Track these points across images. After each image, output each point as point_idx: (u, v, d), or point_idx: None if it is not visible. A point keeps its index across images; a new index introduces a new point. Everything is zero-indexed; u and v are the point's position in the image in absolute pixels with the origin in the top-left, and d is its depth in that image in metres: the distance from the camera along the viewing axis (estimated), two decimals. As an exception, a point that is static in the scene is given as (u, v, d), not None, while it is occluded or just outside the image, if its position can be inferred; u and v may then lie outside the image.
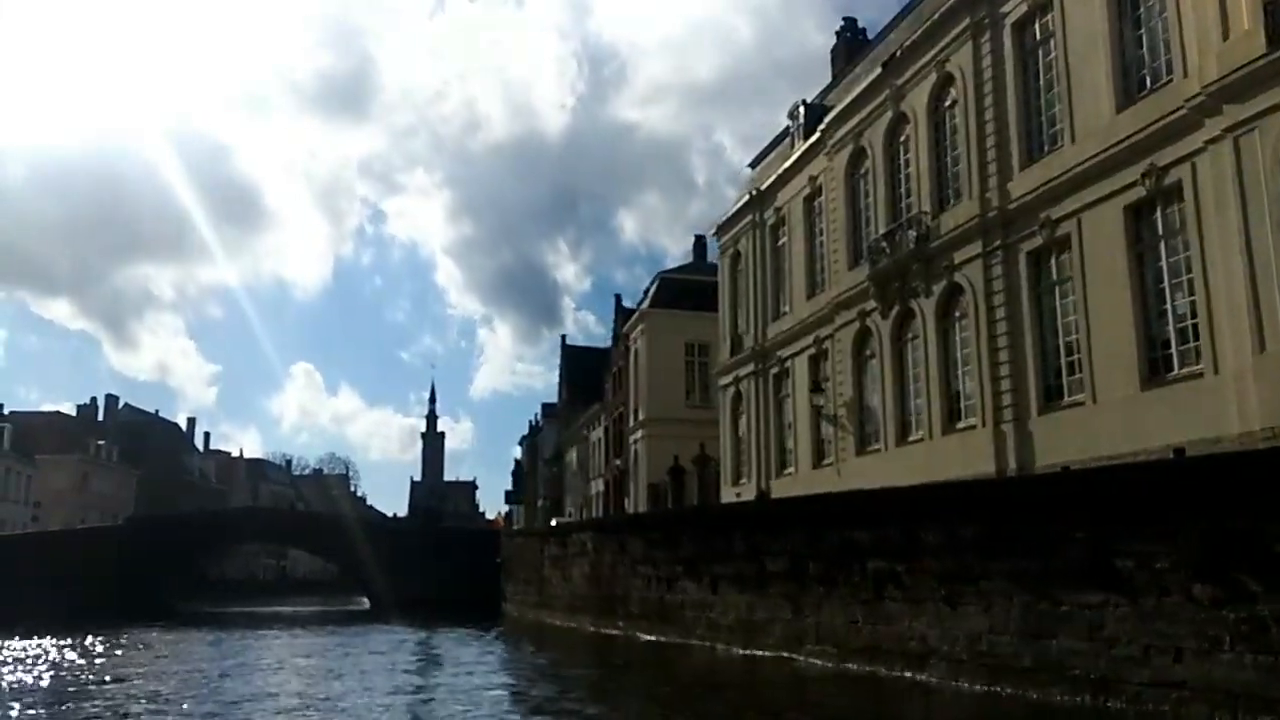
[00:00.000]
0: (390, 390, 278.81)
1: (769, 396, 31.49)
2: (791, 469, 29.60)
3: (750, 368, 32.56)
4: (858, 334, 25.81)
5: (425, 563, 40.05)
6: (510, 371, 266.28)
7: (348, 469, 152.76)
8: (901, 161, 24.74)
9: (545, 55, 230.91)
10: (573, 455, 63.36)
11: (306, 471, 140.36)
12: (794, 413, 29.72)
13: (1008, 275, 20.26)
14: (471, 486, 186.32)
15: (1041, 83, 20.15)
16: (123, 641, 27.37)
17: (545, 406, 79.69)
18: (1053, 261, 19.43)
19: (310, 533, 44.05)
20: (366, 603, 51.58)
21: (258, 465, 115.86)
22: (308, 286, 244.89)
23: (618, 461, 49.36)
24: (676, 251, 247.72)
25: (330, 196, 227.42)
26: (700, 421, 44.12)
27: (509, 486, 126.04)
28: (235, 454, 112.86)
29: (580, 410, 65.87)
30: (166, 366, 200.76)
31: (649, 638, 19.28)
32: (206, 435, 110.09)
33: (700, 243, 51.73)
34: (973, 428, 20.92)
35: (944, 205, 22.77)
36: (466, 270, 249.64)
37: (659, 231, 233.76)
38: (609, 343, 62.10)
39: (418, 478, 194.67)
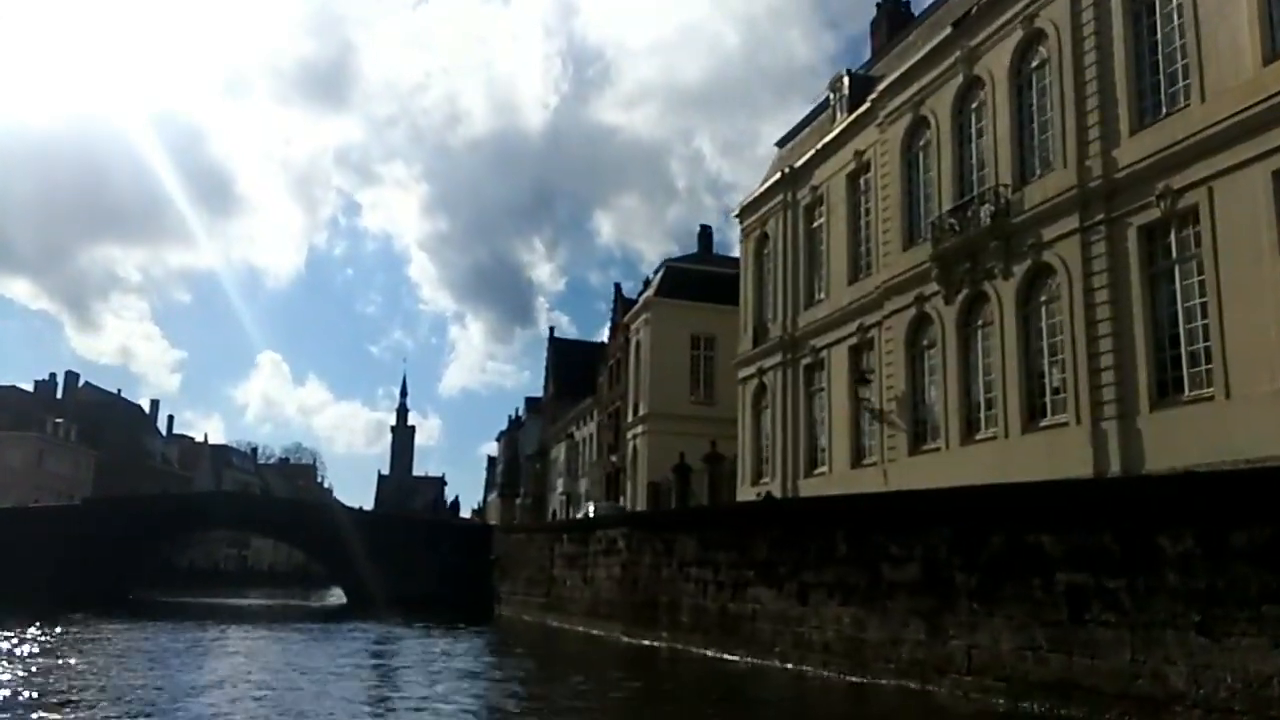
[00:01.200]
0: (358, 383, 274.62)
1: (799, 389, 28.98)
2: (824, 468, 27.10)
3: (777, 358, 30.04)
4: (913, 321, 23.35)
5: (410, 557, 37.04)
6: (481, 370, 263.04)
7: (315, 460, 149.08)
8: (973, 130, 22.31)
9: (530, 52, 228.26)
10: (559, 451, 60.60)
11: (272, 461, 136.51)
12: (829, 407, 27.23)
13: (1112, 253, 17.86)
14: (440, 482, 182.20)
15: (1159, 36, 17.76)
16: (58, 633, 24.23)
17: (529, 401, 76.87)
18: (1171, 237, 17.05)
19: (288, 520, 40.43)
20: (342, 597, 48.56)
21: (222, 451, 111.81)
22: (280, 275, 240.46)
23: (614, 458, 46.72)
24: (653, 256, 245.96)
25: (306, 185, 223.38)
26: (706, 418, 41.61)
27: (481, 484, 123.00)
28: (199, 439, 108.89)
29: (568, 405, 63.17)
30: (129, 351, 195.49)
31: (705, 653, 16.38)
32: (170, 418, 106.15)
33: (706, 233, 49.38)
34: (1063, 425, 18.50)
35: (1027, 177, 20.37)
36: (440, 266, 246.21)
37: (636, 235, 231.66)
38: (600, 337, 59.54)
39: (385, 471, 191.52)
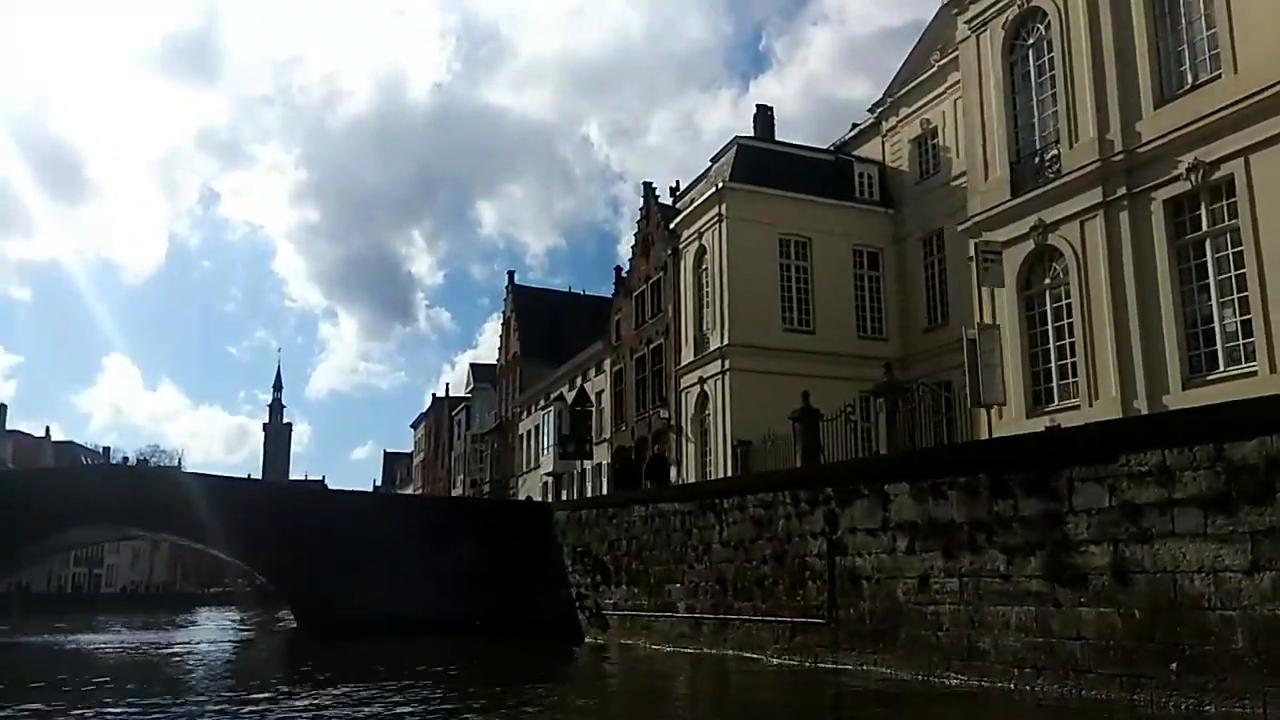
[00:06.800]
0: (217, 387, 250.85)
1: (1148, 244, 17.23)
2: (1244, 365, 15.45)
3: (1088, 201, 18.20)
4: None
5: (410, 559, 23.09)
6: (352, 371, 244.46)
7: (179, 461, 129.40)
8: None
9: (422, 28, 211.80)
10: (544, 421, 47.15)
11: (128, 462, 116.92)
12: (1252, 257, 15.56)
13: None
14: (321, 485, 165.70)
15: None
16: None
17: (476, 369, 62.78)
18: None
19: (211, 505, 24.60)
20: (290, 619, 34.31)
21: (69, 450, 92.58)
22: (137, 269, 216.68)
23: (662, 413, 33.98)
24: (538, 249, 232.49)
25: (168, 168, 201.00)
26: (804, 353, 29.56)
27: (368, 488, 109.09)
28: (39, 435, 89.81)
29: (541, 365, 50.06)
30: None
31: None
32: (3, 409, 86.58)
33: (766, 114, 36.98)
34: None
35: None
36: (310, 258, 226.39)
37: (521, 226, 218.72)
38: (484, 330, 46.76)
39: (257, 476, 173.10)
